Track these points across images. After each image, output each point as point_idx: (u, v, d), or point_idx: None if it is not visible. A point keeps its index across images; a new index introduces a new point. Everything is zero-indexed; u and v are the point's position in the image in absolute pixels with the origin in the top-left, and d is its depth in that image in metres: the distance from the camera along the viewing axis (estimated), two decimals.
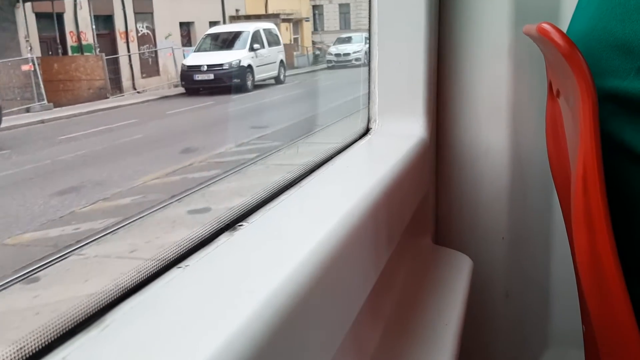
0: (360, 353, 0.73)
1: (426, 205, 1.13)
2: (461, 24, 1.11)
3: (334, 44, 15.04)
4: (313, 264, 0.51)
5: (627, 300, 0.58)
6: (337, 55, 13.93)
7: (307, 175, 0.81)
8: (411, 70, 1.06)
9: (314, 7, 19.73)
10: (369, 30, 1.09)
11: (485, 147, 1.14)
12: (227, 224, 0.58)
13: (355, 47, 13.81)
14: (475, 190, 1.17)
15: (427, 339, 0.81)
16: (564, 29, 0.75)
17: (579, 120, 0.57)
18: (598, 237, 0.57)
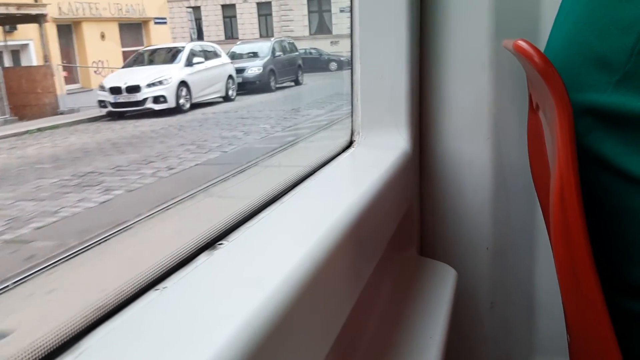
0: None
1: (410, 217, 1.13)
2: (443, 37, 1.12)
3: (123, 66, 7.17)
4: (293, 284, 0.50)
5: (605, 312, 0.59)
6: (115, 91, 6.23)
7: (289, 190, 0.81)
8: (393, 83, 1.07)
9: (224, 6, 13.98)
10: (351, 43, 1.09)
11: (468, 158, 1.15)
12: (207, 243, 0.58)
13: (157, 73, 6.36)
14: (459, 201, 1.17)
15: (411, 352, 0.80)
16: (544, 43, 0.76)
17: (556, 134, 0.57)
18: (576, 250, 0.58)
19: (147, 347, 0.40)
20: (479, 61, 1.10)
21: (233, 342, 0.40)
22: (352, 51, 1.10)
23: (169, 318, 0.44)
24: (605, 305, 0.59)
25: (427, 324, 0.89)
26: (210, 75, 6.80)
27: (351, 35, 1.10)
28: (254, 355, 0.41)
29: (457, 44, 1.11)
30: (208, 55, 7.17)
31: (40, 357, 0.38)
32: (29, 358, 0.38)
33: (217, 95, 6.70)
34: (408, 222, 1.12)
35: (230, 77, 7.04)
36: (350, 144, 1.09)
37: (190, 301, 0.47)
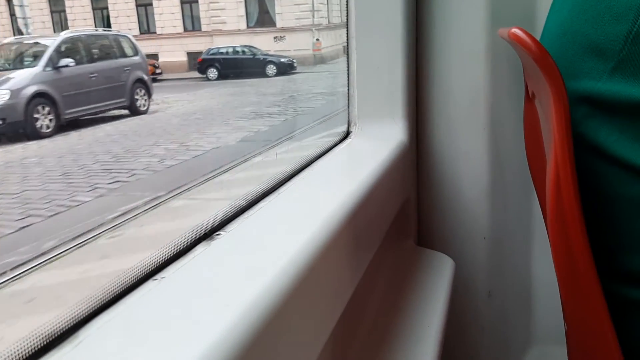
0: (341, 359, 0.73)
1: (408, 208, 1.13)
2: (439, 27, 1.12)
3: None
4: (291, 274, 0.51)
5: (602, 300, 0.59)
6: None
7: (286, 181, 0.81)
8: (390, 73, 1.07)
9: None
10: (347, 34, 1.09)
11: (465, 148, 1.15)
12: (205, 234, 0.58)
13: None
14: (457, 191, 1.17)
15: (409, 342, 0.81)
16: (540, 31, 0.76)
17: (551, 122, 0.57)
18: (572, 238, 0.58)
19: (145, 337, 0.40)
20: (475, 51, 1.10)
21: (231, 331, 0.40)
22: (347, 42, 1.10)
23: (167, 308, 0.44)
24: (602, 293, 0.59)
25: (424, 313, 0.90)
26: None
27: (347, 26, 1.09)
28: (252, 344, 0.41)
29: (453, 33, 1.11)
30: None
31: (39, 346, 0.38)
32: (27, 348, 0.38)
33: None
34: (405, 212, 1.12)
35: None
36: (347, 134, 1.09)
37: (188, 291, 0.48)
